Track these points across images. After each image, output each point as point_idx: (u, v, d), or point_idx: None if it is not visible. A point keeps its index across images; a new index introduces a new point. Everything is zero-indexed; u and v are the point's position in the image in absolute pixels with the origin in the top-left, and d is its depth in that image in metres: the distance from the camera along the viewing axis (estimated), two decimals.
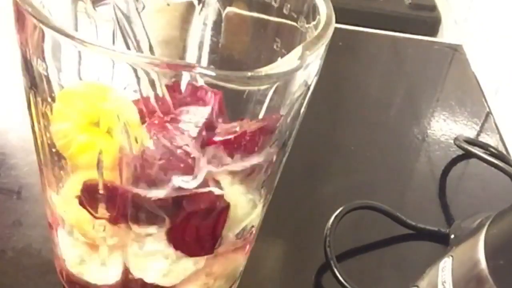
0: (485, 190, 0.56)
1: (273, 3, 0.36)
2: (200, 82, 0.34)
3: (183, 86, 0.35)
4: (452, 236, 0.48)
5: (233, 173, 0.32)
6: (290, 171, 0.37)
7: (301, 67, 0.29)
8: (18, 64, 0.31)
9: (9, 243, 0.43)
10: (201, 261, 0.33)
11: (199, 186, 0.31)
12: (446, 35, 0.84)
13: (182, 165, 0.30)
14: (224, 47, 0.40)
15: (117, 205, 0.31)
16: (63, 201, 0.33)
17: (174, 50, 0.40)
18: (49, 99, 0.31)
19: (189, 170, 0.31)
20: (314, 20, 0.33)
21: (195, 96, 0.34)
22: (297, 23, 0.35)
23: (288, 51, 0.29)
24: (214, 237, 0.33)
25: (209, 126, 0.32)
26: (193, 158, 0.31)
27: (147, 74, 0.29)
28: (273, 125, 0.32)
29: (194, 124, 0.32)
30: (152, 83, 0.35)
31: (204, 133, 0.32)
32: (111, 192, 0.31)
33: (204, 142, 0.31)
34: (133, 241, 0.32)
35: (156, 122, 0.32)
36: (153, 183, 0.30)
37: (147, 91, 0.34)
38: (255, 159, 0.32)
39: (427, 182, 0.56)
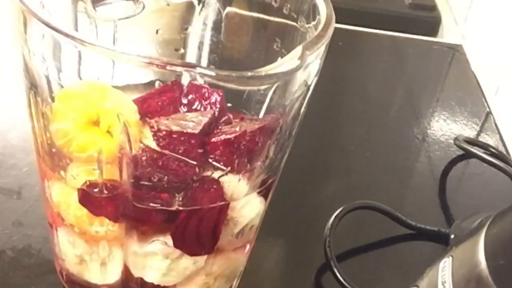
0: (485, 190, 0.56)
1: (273, 3, 0.36)
2: (200, 82, 0.34)
3: (184, 86, 0.35)
4: (452, 236, 0.48)
5: (233, 173, 0.32)
6: (290, 171, 0.37)
7: (301, 67, 0.28)
8: (18, 64, 0.31)
9: (9, 243, 0.43)
10: (201, 260, 0.33)
11: (199, 185, 0.31)
12: (446, 35, 0.84)
13: (182, 164, 0.30)
14: (224, 47, 0.40)
15: (117, 204, 0.31)
16: (63, 200, 0.33)
17: (174, 50, 0.40)
18: (49, 99, 0.31)
19: (189, 169, 0.31)
20: (314, 20, 0.33)
21: (196, 96, 0.34)
22: (297, 23, 0.35)
23: (288, 51, 0.29)
24: (214, 236, 0.33)
25: (210, 126, 0.32)
26: (194, 158, 0.31)
27: (147, 74, 0.29)
28: (273, 125, 0.32)
29: (195, 123, 0.32)
30: (152, 83, 0.35)
31: (205, 132, 0.32)
32: (111, 191, 0.31)
33: (205, 142, 0.31)
34: (133, 240, 0.32)
35: (157, 121, 0.32)
36: (153, 182, 0.30)
37: (147, 91, 0.34)
38: (255, 159, 0.32)
39: (427, 182, 0.56)
